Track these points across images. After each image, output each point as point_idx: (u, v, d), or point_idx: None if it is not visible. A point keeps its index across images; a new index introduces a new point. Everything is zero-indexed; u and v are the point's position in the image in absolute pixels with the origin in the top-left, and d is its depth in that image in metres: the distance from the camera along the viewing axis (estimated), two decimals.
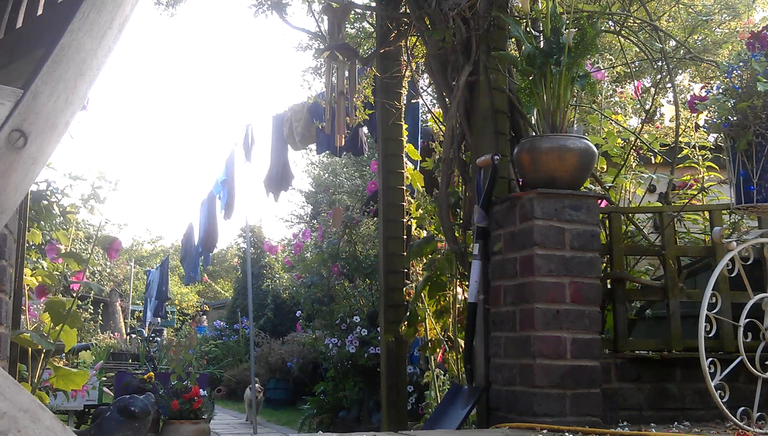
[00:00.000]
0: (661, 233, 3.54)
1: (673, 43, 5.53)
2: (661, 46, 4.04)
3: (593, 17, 3.77)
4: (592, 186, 3.91)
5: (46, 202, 3.30)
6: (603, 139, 4.18)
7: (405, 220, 4.52)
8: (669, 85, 4.64)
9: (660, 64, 4.37)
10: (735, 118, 2.82)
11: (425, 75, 5.10)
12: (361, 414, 7.55)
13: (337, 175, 15.87)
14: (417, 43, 4.33)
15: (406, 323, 4.16)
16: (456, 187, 3.91)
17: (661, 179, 4.18)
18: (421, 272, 4.54)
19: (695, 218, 4.09)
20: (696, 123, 4.03)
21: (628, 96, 4.80)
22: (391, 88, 4.49)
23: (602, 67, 4.63)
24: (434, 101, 5.80)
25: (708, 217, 3.79)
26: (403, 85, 4.61)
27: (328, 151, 7.95)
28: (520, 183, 3.48)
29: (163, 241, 37.20)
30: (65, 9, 1.80)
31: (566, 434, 2.72)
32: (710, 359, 2.83)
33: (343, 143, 4.48)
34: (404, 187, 4.54)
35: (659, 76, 4.62)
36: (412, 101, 6.06)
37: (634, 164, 4.24)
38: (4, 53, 2.18)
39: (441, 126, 4.47)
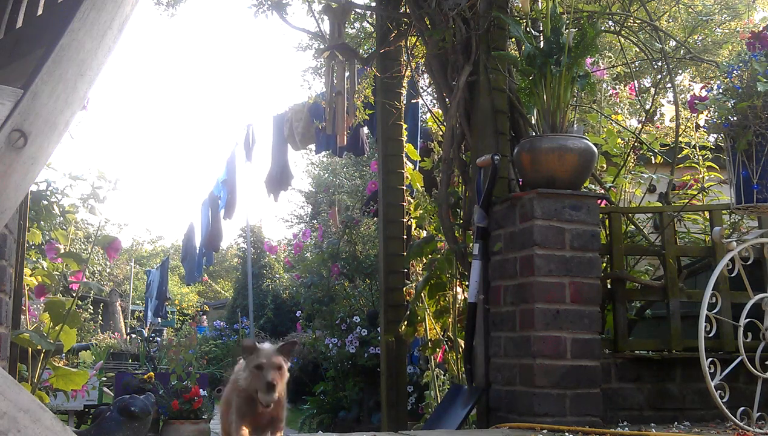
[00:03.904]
0: (661, 233, 3.53)
1: (673, 43, 5.52)
2: (661, 46, 4.04)
3: (593, 17, 3.77)
4: (592, 186, 3.91)
5: (46, 202, 3.30)
6: (603, 139, 4.18)
7: (405, 220, 4.52)
8: (669, 85, 4.64)
9: (660, 64, 4.37)
10: (735, 118, 2.82)
11: (425, 75, 5.10)
12: (361, 414, 7.55)
13: (337, 175, 15.87)
14: (417, 43, 4.33)
15: (406, 323, 4.16)
16: (456, 187, 3.91)
17: (661, 179, 4.18)
18: (421, 272, 4.54)
19: (695, 218, 4.09)
20: (696, 123, 4.03)
21: (622, 98, 4.79)
22: (391, 88, 4.49)
23: (602, 66, 4.63)
24: (434, 101, 5.80)
25: (708, 217, 3.79)
26: (403, 85, 4.61)
27: (328, 151, 7.95)
28: (520, 183, 3.48)
29: (163, 241, 37.19)
30: (65, 9, 1.79)
31: (566, 434, 2.72)
32: (710, 359, 2.83)
33: (345, 143, 4.48)
34: (404, 188, 4.54)
35: (659, 76, 4.62)
36: (412, 101, 6.06)
37: (632, 164, 4.24)
38: (4, 53, 2.18)
39: (441, 126, 4.47)
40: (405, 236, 4.52)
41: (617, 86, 4.70)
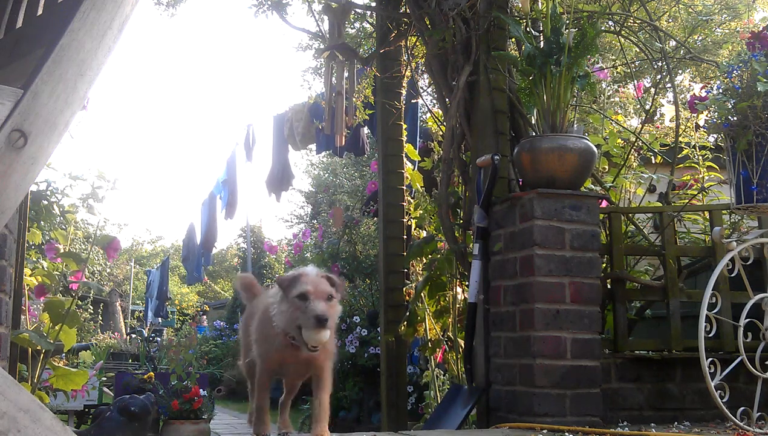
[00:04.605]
0: (661, 233, 3.53)
1: (673, 43, 5.52)
2: (661, 46, 4.04)
3: (593, 17, 3.77)
4: (593, 186, 3.91)
5: (46, 202, 3.30)
6: (603, 139, 4.18)
7: (405, 220, 4.52)
8: (669, 85, 4.63)
9: (660, 64, 4.37)
10: (735, 118, 2.82)
11: (425, 75, 5.09)
12: (361, 414, 7.54)
13: (337, 175, 15.87)
14: (417, 43, 4.33)
15: (406, 323, 4.16)
16: (456, 187, 3.91)
17: (661, 179, 4.18)
18: (421, 272, 4.54)
19: (695, 218, 4.09)
20: (696, 123, 4.03)
21: (628, 96, 4.80)
22: (391, 88, 4.49)
23: (604, 67, 4.63)
24: (434, 101, 5.80)
25: (708, 217, 3.79)
26: (403, 85, 4.61)
27: (328, 151, 7.94)
28: (520, 183, 3.48)
29: (163, 241, 37.20)
30: (65, 9, 1.79)
31: (566, 434, 2.72)
32: (710, 359, 2.83)
33: (343, 143, 4.48)
34: (404, 188, 4.54)
35: (659, 76, 4.62)
36: (412, 101, 6.06)
37: (634, 164, 4.24)
38: (4, 53, 2.18)
39: (441, 126, 4.47)
40: (405, 236, 4.52)
41: (623, 86, 4.70)
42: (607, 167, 4.21)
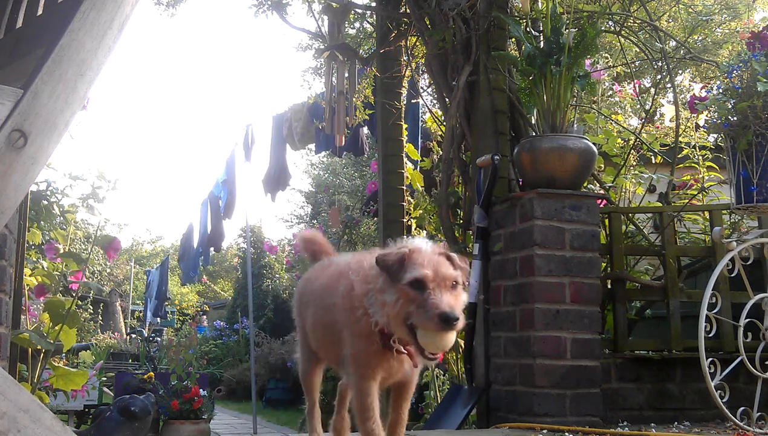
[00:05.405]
0: (661, 233, 3.53)
1: (673, 43, 5.52)
2: (661, 46, 4.04)
3: (593, 17, 3.77)
4: (592, 186, 3.91)
5: (46, 202, 3.30)
6: (603, 139, 4.18)
7: (405, 220, 4.52)
8: (669, 85, 4.63)
9: (660, 64, 4.37)
10: (735, 119, 2.82)
11: (425, 75, 5.10)
12: None
13: (337, 175, 15.86)
14: (417, 43, 4.33)
15: None
16: (456, 187, 3.91)
17: (661, 179, 4.18)
18: None
19: (695, 218, 4.09)
20: (696, 123, 4.03)
21: (627, 96, 4.80)
22: (391, 88, 4.49)
23: (599, 68, 4.63)
24: (434, 101, 5.80)
25: (708, 217, 3.79)
26: (403, 85, 4.61)
27: (328, 151, 7.94)
28: (520, 183, 3.48)
29: (163, 241, 37.12)
30: (65, 9, 1.79)
31: (566, 434, 2.72)
32: (710, 359, 2.83)
33: (342, 143, 4.48)
34: (404, 188, 4.54)
35: (659, 76, 4.62)
36: (412, 101, 6.06)
37: (634, 163, 4.24)
38: (4, 53, 2.18)
39: (440, 126, 4.47)
40: (405, 236, 4.51)
41: (622, 85, 4.69)
42: (602, 166, 4.21)
